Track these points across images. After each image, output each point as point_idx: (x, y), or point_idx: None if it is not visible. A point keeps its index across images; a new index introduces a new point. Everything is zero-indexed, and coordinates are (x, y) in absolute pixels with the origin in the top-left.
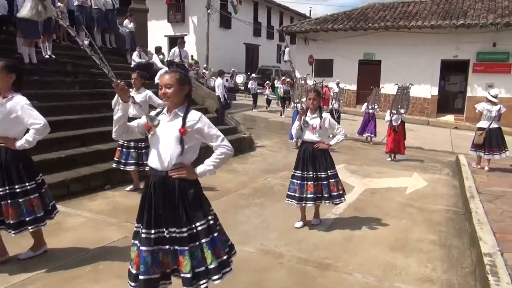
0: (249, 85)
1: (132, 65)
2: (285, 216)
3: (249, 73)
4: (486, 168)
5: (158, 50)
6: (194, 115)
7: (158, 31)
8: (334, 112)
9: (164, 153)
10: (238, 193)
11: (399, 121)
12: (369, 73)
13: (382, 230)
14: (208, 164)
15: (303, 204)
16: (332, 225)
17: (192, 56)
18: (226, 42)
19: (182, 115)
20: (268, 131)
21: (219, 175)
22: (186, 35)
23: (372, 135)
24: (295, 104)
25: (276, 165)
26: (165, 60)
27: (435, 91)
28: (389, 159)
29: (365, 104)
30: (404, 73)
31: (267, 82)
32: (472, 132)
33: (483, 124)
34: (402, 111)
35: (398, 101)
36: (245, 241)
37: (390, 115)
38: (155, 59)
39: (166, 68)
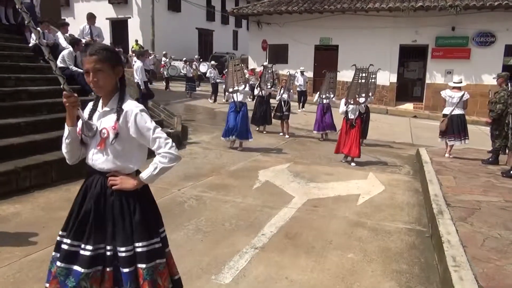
0: (208, 74)
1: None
2: (184, 253)
3: (212, 62)
4: (447, 155)
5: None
6: (130, 105)
7: (99, 13)
8: (283, 103)
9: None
10: None
11: (357, 113)
12: (326, 59)
13: (317, 277)
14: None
15: None
16: (247, 270)
17: (136, 40)
18: (176, 26)
19: (115, 107)
20: (211, 124)
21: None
22: (129, 17)
23: (331, 131)
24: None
25: (203, 168)
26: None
27: (393, 78)
28: (343, 160)
29: (317, 94)
30: (362, 59)
31: (226, 70)
32: (431, 121)
33: (446, 110)
34: (361, 100)
35: (356, 87)
36: None
37: (345, 105)
38: (60, 38)
39: (70, 49)
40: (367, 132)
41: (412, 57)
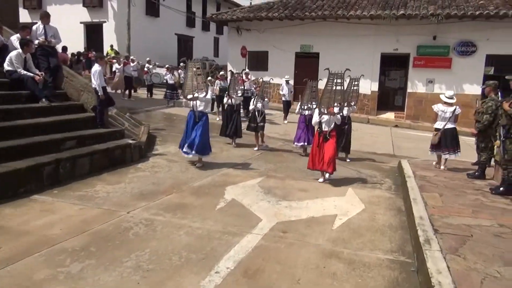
0: None
1: None
2: None
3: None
4: (442, 167)
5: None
6: None
7: (72, 17)
8: (256, 114)
9: None
10: (56, 249)
11: (332, 125)
12: (307, 66)
13: None
14: None
15: None
16: None
17: (111, 45)
18: (154, 31)
19: None
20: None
21: (57, 205)
22: (105, 21)
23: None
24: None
25: (163, 184)
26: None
27: (375, 86)
28: (321, 179)
29: (299, 104)
30: (343, 67)
31: (210, 78)
32: (413, 130)
33: (439, 125)
34: (335, 110)
35: (330, 95)
36: None
37: (319, 115)
38: (14, 40)
39: (19, 50)
40: (349, 146)
41: (393, 66)
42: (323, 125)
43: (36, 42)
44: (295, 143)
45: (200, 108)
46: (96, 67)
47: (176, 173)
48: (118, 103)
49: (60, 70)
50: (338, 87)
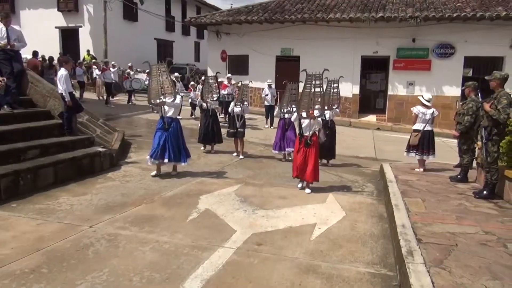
0: None
1: None
2: None
3: (176, 74)
4: (421, 169)
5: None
6: None
7: (47, 22)
8: (236, 118)
9: None
10: (2, 272)
11: (314, 128)
12: (288, 70)
13: None
14: None
15: None
16: None
17: (88, 50)
18: (132, 36)
19: None
20: None
21: (12, 221)
22: (80, 26)
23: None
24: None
25: (134, 194)
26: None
27: (356, 89)
28: (300, 184)
29: (277, 107)
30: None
31: (193, 83)
32: (394, 133)
33: (418, 126)
34: (315, 112)
35: (309, 98)
36: None
37: (299, 120)
38: None
39: None
40: (334, 151)
41: (374, 69)
42: (304, 130)
43: None
44: (274, 150)
45: (169, 114)
46: (62, 72)
47: (148, 182)
48: (98, 110)
49: (25, 75)
50: (317, 89)
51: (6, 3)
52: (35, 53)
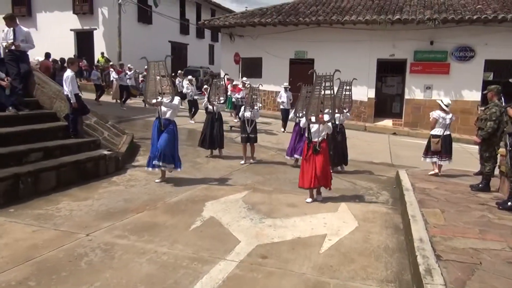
0: (185, 90)
1: None
2: None
3: (189, 76)
4: (439, 172)
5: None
6: None
7: (63, 24)
8: (246, 123)
9: None
10: None
11: (323, 134)
12: (302, 73)
13: None
14: None
15: None
16: None
17: (102, 53)
18: (146, 38)
19: None
20: None
21: (8, 227)
22: (95, 29)
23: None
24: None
25: (137, 200)
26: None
27: (371, 93)
28: (309, 199)
29: (293, 110)
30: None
31: (206, 86)
32: (411, 138)
33: (438, 131)
34: (326, 117)
35: (319, 101)
36: None
37: (307, 124)
38: None
39: None
40: (346, 156)
41: (390, 72)
42: (312, 136)
43: (4, 45)
44: (287, 156)
45: (167, 115)
46: (68, 73)
47: (153, 187)
48: (111, 112)
49: (31, 77)
50: (328, 92)
51: (23, 6)
52: (47, 55)
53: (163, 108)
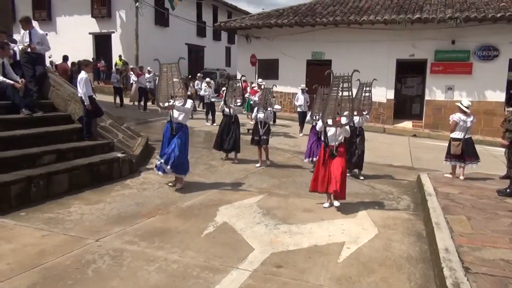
0: (202, 92)
1: None
2: None
3: (207, 79)
4: (462, 177)
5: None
6: None
7: (81, 28)
8: (259, 125)
9: None
10: None
11: (341, 138)
12: (319, 74)
13: None
14: None
15: None
16: None
17: (120, 56)
18: (163, 41)
19: None
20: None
21: (17, 231)
22: (113, 32)
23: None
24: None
25: (149, 204)
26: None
27: (390, 94)
28: (327, 204)
29: (309, 113)
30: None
31: (224, 88)
32: (432, 140)
33: (458, 134)
34: (343, 120)
35: (336, 103)
36: None
37: (323, 125)
38: None
39: None
40: (362, 161)
41: (410, 72)
42: (329, 139)
43: (20, 47)
44: (306, 159)
45: (179, 119)
46: (82, 75)
47: (166, 191)
48: (129, 114)
49: (47, 79)
50: (345, 93)
51: (43, 10)
52: (65, 58)
53: (175, 112)
